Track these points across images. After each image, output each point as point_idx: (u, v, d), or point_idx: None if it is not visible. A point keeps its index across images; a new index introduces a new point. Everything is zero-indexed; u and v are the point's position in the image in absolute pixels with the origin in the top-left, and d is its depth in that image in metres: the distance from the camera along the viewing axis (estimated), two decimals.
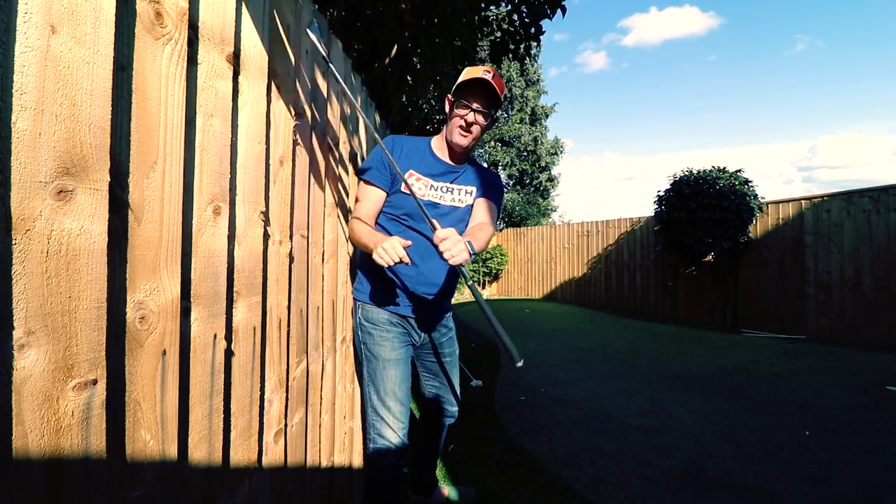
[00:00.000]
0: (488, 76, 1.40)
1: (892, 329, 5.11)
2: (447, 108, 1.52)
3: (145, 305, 0.55)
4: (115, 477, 0.51)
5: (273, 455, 0.94)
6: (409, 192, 1.36)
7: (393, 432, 1.44)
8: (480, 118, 1.44)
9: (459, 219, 1.56)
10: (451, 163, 1.54)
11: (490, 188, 1.60)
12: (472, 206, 1.56)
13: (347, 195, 1.59)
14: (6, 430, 0.39)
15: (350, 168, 1.61)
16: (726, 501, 1.99)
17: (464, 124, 1.44)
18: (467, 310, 7.48)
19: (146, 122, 0.55)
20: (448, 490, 1.97)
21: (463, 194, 1.56)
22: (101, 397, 0.48)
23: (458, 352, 1.77)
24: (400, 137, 1.56)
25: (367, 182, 1.46)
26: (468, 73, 1.43)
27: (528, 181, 15.35)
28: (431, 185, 1.50)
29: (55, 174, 0.43)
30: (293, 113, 1.00)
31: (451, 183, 1.54)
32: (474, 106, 1.42)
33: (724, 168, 6.88)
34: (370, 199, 1.46)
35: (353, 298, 1.57)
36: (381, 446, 1.44)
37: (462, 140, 1.46)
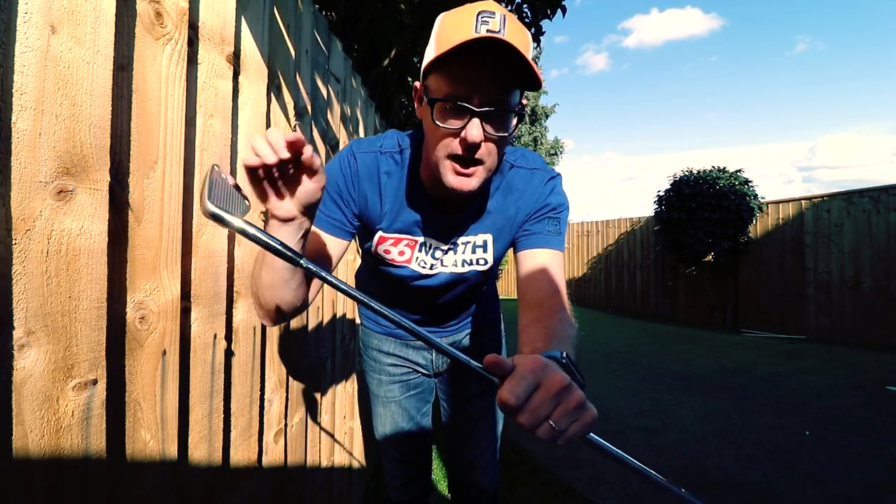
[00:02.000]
0: (493, 23, 0.62)
1: (892, 329, 5.11)
2: (417, 107, 0.75)
3: (145, 305, 0.55)
4: (115, 477, 0.51)
5: (273, 455, 0.94)
6: (382, 260, 0.90)
7: (392, 478, 1.18)
8: (494, 127, 0.67)
9: (468, 287, 0.98)
10: (449, 208, 0.84)
11: (539, 216, 0.85)
12: (492, 264, 0.92)
13: None
14: (6, 430, 0.39)
15: None
16: (726, 501, 1.99)
17: (458, 151, 0.68)
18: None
19: (146, 122, 0.55)
20: None
21: (470, 251, 0.90)
22: (101, 397, 0.48)
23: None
24: (364, 156, 0.82)
25: (318, 228, 0.80)
26: (451, 28, 0.65)
27: None
28: (419, 247, 0.88)
29: (55, 174, 0.43)
30: (293, 113, 1.00)
31: (452, 240, 0.88)
32: (477, 106, 0.65)
33: (724, 168, 6.88)
34: (321, 243, 0.79)
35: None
36: (389, 494, 1.20)
37: (462, 183, 0.71)
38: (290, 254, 0.46)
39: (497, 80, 0.65)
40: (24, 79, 0.40)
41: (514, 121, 0.71)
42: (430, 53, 0.68)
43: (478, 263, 0.91)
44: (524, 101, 0.74)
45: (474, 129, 0.65)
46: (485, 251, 0.90)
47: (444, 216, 0.85)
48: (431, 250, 0.89)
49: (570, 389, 0.46)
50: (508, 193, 0.87)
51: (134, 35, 0.53)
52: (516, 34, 0.64)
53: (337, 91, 1.42)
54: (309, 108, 1.12)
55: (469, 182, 0.71)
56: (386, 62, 2.74)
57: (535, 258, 0.83)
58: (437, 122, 0.68)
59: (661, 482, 0.49)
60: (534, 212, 0.86)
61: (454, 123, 0.67)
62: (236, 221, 0.44)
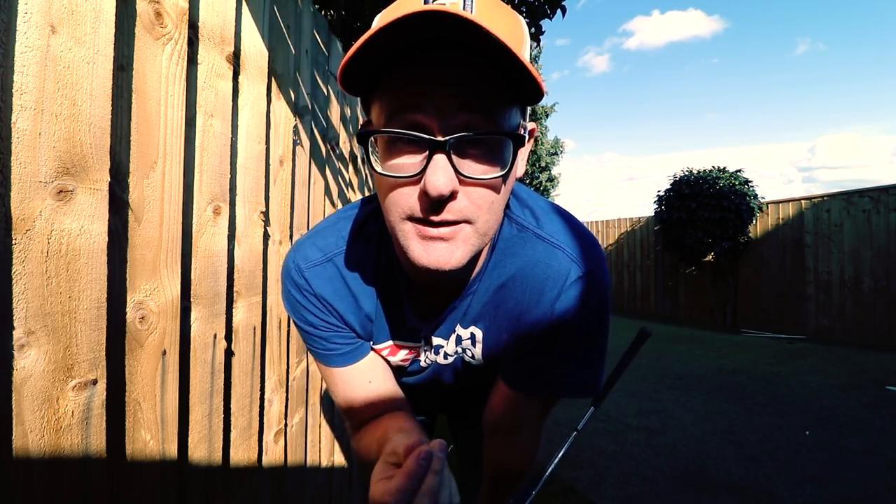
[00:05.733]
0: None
1: (892, 329, 5.11)
2: (368, 155, 0.46)
3: (145, 305, 0.55)
4: (115, 477, 0.51)
5: (273, 455, 0.94)
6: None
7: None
8: (476, 161, 0.43)
9: (456, 374, 0.74)
10: (431, 296, 0.61)
11: (558, 329, 0.59)
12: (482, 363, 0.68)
13: (347, 195, 1.59)
14: (6, 430, 0.39)
15: (350, 168, 1.61)
16: (726, 501, 1.99)
17: (417, 212, 0.44)
18: None
19: (146, 122, 0.55)
20: None
21: (454, 345, 0.66)
22: (101, 397, 0.48)
23: None
24: (314, 271, 0.61)
25: (337, 367, 0.66)
26: (388, 12, 0.45)
27: (527, 181, 15.36)
28: (422, 351, 0.70)
29: (55, 174, 0.43)
30: (293, 113, 1.00)
31: (435, 332, 0.65)
32: (440, 131, 0.41)
33: (724, 168, 6.88)
34: (357, 379, 0.66)
35: None
36: None
37: (436, 259, 0.44)
38: None
39: (466, 87, 0.41)
40: (24, 79, 0.40)
41: (512, 150, 0.44)
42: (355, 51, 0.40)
43: (469, 355, 0.69)
44: (526, 124, 0.48)
45: (439, 173, 0.40)
46: (473, 342, 0.65)
47: (424, 322, 0.63)
48: (435, 349, 0.68)
49: None
50: (507, 277, 0.58)
51: (134, 35, 0.53)
52: (494, 15, 0.43)
53: (337, 91, 1.42)
54: (309, 107, 1.12)
55: (448, 255, 0.44)
56: None
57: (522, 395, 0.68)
58: (382, 170, 0.44)
59: None
60: (544, 331, 0.59)
61: (406, 167, 0.43)
62: None
